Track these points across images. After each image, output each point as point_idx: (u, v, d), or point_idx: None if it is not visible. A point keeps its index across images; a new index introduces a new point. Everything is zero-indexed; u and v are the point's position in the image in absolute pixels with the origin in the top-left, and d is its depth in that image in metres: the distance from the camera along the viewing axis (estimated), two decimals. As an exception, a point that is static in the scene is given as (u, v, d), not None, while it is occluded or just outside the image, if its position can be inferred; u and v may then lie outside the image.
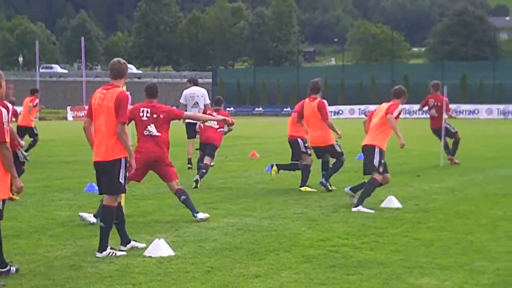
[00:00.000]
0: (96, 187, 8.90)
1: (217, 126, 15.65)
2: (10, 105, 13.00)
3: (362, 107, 66.11)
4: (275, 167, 14.71)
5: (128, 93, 8.40)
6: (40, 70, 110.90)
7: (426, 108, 19.75)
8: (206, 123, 15.63)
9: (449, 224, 10.42)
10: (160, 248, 8.38)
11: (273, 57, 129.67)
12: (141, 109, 10.67)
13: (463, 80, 69.93)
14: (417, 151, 23.35)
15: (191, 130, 18.52)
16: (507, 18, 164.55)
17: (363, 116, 61.31)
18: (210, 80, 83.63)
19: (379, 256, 8.34)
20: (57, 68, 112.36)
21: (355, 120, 42.11)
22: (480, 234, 9.63)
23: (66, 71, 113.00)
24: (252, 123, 53.22)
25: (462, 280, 7.26)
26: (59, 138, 30.91)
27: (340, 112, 67.96)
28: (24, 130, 20.63)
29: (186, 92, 19.05)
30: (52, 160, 21.01)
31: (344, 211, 11.52)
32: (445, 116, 19.06)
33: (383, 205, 11.95)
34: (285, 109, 75.06)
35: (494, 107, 62.95)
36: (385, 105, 12.22)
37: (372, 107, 64.44)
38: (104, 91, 8.40)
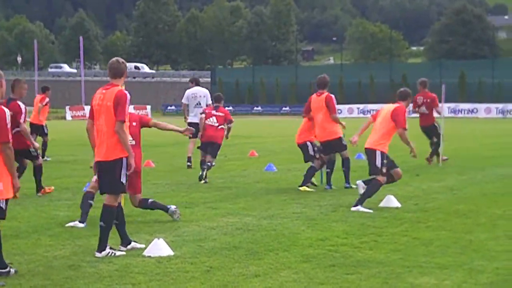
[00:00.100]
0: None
1: (217, 124, 15.68)
2: (22, 106, 13.14)
3: (361, 106, 66.12)
4: (305, 187, 14.29)
5: (127, 92, 8.38)
6: (49, 70, 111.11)
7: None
8: (207, 122, 15.66)
9: (448, 223, 10.42)
10: (159, 247, 8.37)
11: (271, 56, 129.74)
12: None
13: (461, 79, 69.94)
14: (416, 150, 23.26)
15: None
16: (506, 17, 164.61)
17: (361, 115, 61.44)
18: (209, 79, 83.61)
19: (378, 255, 8.35)
20: (66, 68, 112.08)
21: (353, 119, 42.07)
22: (479, 233, 9.63)
23: (75, 70, 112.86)
24: (251, 122, 53.23)
25: (461, 279, 7.27)
26: (58, 137, 30.83)
27: (339, 111, 66.91)
28: (35, 128, 20.57)
29: (188, 92, 19.04)
30: (51, 159, 20.98)
31: (343, 211, 11.52)
32: (436, 114, 19.20)
33: (382, 204, 11.95)
34: (283, 108, 75.09)
35: (493, 106, 62.97)
36: (389, 108, 12.06)
37: (370, 106, 64.78)
38: (104, 91, 8.40)
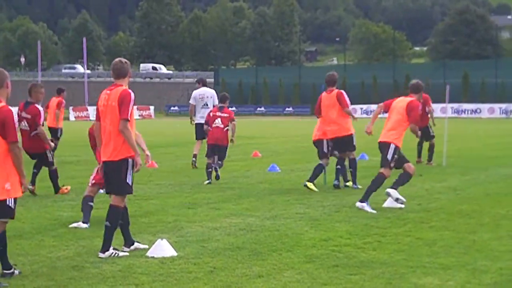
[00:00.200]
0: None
1: (222, 126, 15.72)
2: (41, 108, 13.43)
3: (364, 106, 66.05)
4: (311, 184, 14.27)
5: (131, 91, 8.38)
6: (63, 71, 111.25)
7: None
8: (213, 124, 15.71)
9: (451, 223, 10.41)
10: (162, 248, 8.38)
11: (275, 56, 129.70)
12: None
13: (465, 79, 69.88)
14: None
15: (200, 131, 18.45)
16: (509, 17, 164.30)
17: (365, 115, 61.32)
18: (212, 80, 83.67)
19: (381, 255, 8.34)
20: (80, 69, 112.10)
21: (357, 120, 41.99)
22: (482, 233, 9.62)
23: (89, 71, 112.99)
24: (254, 122, 53.22)
25: (464, 280, 7.26)
26: (61, 138, 30.80)
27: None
28: (53, 132, 20.57)
29: (195, 92, 19.02)
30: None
31: (347, 211, 11.51)
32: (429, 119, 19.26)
33: (385, 204, 11.95)
34: (287, 109, 75.05)
35: (496, 106, 62.91)
36: (404, 101, 12.05)
37: (374, 107, 64.56)
38: (108, 91, 8.43)
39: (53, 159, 13.94)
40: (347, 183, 14.47)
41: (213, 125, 15.76)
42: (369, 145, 23.83)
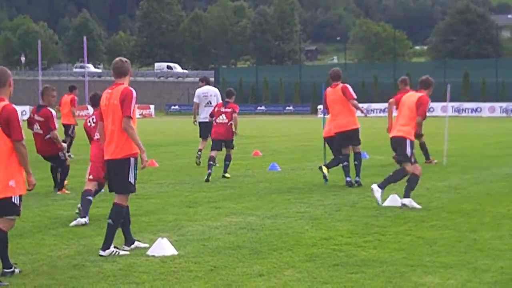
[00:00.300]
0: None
1: (226, 121, 15.95)
2: (53, 111, 13.67)
3: (365, 105, 65.90)
4: (326, 169, 14.61)
5: (133, 89, 8.39)
6: (74, 69, 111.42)
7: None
8: (217, 121, 15.95)
9: (452, 222, 10.40)
10: (163, 247, 8.38)
11: (275, 55, 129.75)
12: (89, 119, 11.45)
13: (465, 78, 69.94)
14: (419, 149, 23.26)
15: (204, 129, 18.47)
16: (509, 16, 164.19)
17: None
18: (213, 79, 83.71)
19: (382, 254, 8.34)
20: (91, 68, 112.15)
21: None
22: (483, 232, 9.61)
23: (100, 70, 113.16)
24: (255, 121, 53.23)
25: (465, 279, 7.25)
26: (61, 137, 30.82)
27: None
28: (66, 128, 21.07)
29: (199, 91, 19.03)
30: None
31: (347, 210, 11.51)
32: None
33: (386, 203, 11.94)
34: (287, 108, 75.09)
35: (497, 105, 62.95)
36: (415, 96, 12.10)
37: (374, 106, 64.76)
38: (110, 91, 8.46)
39: (65, 157, 14.01)
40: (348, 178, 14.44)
41: (217, 121, 15.98)
42: (370, 143, 23.88)
